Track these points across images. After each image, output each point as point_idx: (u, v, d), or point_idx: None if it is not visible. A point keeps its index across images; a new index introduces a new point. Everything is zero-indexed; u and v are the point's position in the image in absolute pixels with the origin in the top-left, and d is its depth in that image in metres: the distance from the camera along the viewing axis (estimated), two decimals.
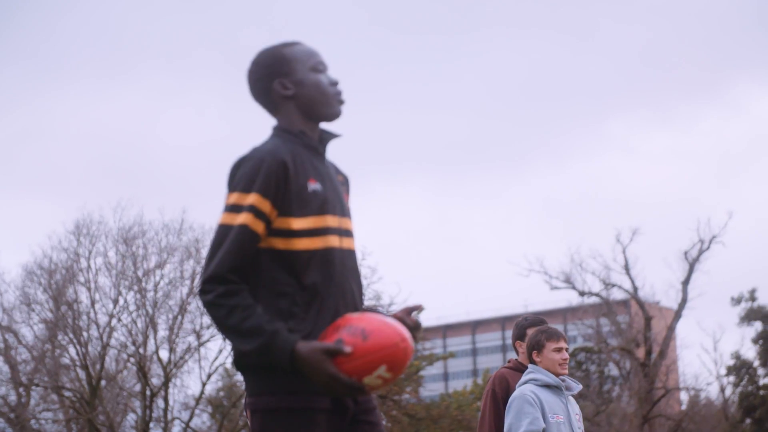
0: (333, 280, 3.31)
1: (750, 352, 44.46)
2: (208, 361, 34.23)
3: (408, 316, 3.40)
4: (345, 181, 3.60)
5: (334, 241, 3.33)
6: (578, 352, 43.95)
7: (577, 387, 6.15)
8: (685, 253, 37.80)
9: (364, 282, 3.54)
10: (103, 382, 33.08)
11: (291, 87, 3.41)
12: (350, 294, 3.37)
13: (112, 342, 33.37)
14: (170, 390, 33.61)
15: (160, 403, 33.64)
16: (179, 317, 33.20)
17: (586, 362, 44.70)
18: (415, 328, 3.37)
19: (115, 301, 33.11)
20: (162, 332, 33.37)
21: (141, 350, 32.95)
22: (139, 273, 33.26)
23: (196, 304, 33.24)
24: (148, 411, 32.99)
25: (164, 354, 33.55)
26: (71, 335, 32.95)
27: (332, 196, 3.38)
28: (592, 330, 41.13)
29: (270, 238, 3.26)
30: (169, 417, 33.75)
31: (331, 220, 3.34)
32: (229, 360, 34.14)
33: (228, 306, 3.16)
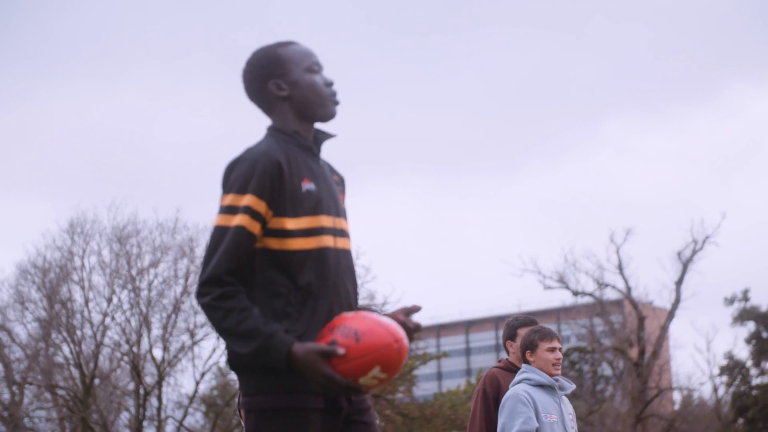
0: (327, 280, 3.32)
1: (743, 353, 44.62)
2: (202, 360, 34.27)
3: (406, 318, 3.40)
4: (340, 181, 3.61)
5: (328, 241, 3.34)
6: (571, 351, 43.97)
7: (571, 387, 6.16)
8: (679, 254, 37.86)
9: (358, 281, 3.53)
10: (96, 381, 33.05)
11: (286, 87, 3.42)
12: (345, 294, 3.37)
13: (106, 340, 33.36)
14: (164, 389, 33.59)
15: (154, 401, 33.63)
16: (173, 316, 33.19)
17: (579, 362, 44.72)
18: (414, 330, 3.38)
19: (109, 300, 33.09)
20: (156, 331, 33.37)
21: (135, 349, 32.93)
22: (133, 272, 33.24)
23: (189, 302, 33.23)
24: (142, 410, 32.97)
25: (158, 353, 33.57)
26: (65, 334, 32.93)
27: (326, 196, 3.39)
28: (586, 330, 41.16)
29: (264, 238, 3.27)
30: (163, 416, 33.71)
31: (325, 220, 3.34)
32: (223, 359, 34.11)
33: (224, 308, 3.17)
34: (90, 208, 49.95)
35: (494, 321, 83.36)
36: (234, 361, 3.26)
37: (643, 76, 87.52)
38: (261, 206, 3.23)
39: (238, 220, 3.22)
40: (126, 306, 33.25)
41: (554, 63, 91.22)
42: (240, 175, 3.25)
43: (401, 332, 3.15)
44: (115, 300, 33.15)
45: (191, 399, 34.54)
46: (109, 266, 33.28)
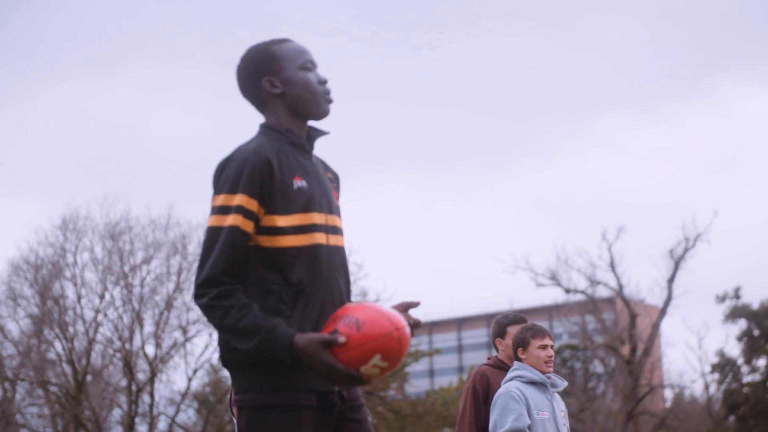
0: (319, 276, 3.32)
1: (734, 350, 44.61)
2: (194, 357, 34.24)
3: (405, 313, 3.42)
4: (335, 179, 3.61)
5: (320, 238, 3.34)
6: (563, 349, 44.01)
7: (563, 384, 6.17)
8: (671, 251, 37.92)
9: (351, 278, 3.54)
10: (88, 377, 33.03)
11: (279, 85, 3.42)
12: (337, 291, 3.38)
13: (98, 337, 33.35)
14: (156, 385, 33.59)
15: (146, 398, 33.62)
16: (165, 313, 33.18)
17: (571, 359, 44.77)
18: (414, 326, 3.39)
19: (102, 297, 33.07)
20: (148, 328, 33.39)
21: (127, 345, 32.92)
22: (126, 268, 33.22)
23: (182, 299, 33.24)
24: (134, 406, 32.95)
25: (150, 349, 33.56)
26: (57, 330, 32.90)
27: (319, 194, 3.39)
28: (578, 327, 41.20)
29: (256, 236, 3.27)
30: (155, 412, 33.71)
31: (317, 218, 3.35)
32: (215, 356, 34.16)
33: (223, 307, 3.18)
34: (83, 204, 50.02)
35: (486, 318, 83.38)
36: (227, 358, 3.27)
37: (635, 74, 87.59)
38: (253, 205, 3.23)
39: (231, 220, 3.22)
40: (118, 303, 33.27)
41: (546, 59, 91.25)
42: (230, 175, 3.25)
43: (402, 321, 3.17)
44: (107, 297, 33.17)
45: (183, 396, 34.52)
46: (102, 263, 33.27)
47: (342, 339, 3.10)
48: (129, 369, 32.74)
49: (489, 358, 6.56)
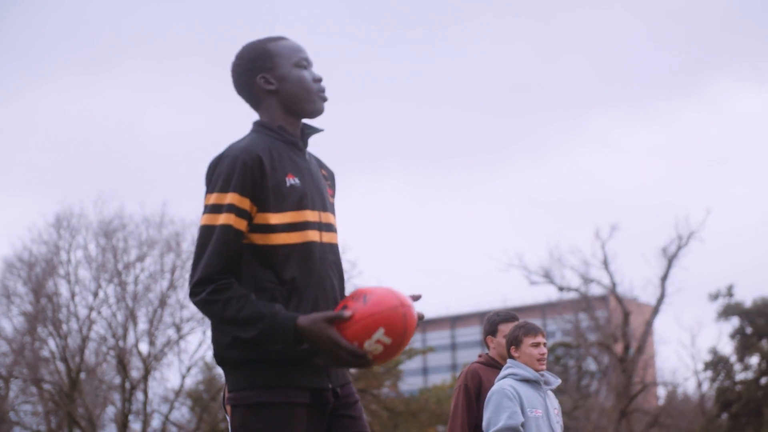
0: (313, 274, 3.32)
1: (727, 348, 44.75)
2: (188, 354, 34.23)
3: None
4: (329, 176, 3.61)
5: (313, 235, 3.34)
6: (557, 347, 44.05)
7: (556, 382, 6.18)
8: (664, 249, 37.93)
9: (344, 276, 3.55)
10: (82, 375, 32.99)
11: (274, 82, 3.43)
12: (331, 288, 3.38)
13: (92, 335, 33.32)
14: (150, 383, 33.56)
15: (140, 396, 33.60)
16: (159, 310, 33.16)
17: (564, 357, 44.83)
18: (418, 318, 3.40)
19: (95, 294, 33.04)
20: (142, 325, 33.36)
21: (121, 343, 32.90)
22: (120, 266, 33.21)
23: (175, 297, 33.24)
24: (128, 404, 32.93)
25: (144, 347, 33.54)
26: (51, 328, 32.86)
27: (312, 191, 3.39)
28: (571, 325, 41.24)
29: (249, 233, 3.27)
30: (149, 410, 33.69)
31: (310, 215, 3.35)
32: (209, 353, 34.13)
33: (222, 300, 3.18)
34: (76, 202, 49.92)
35: (480, 316, 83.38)
36: (220, 355, 3.27)
37: (628, 72, 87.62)
38: (245, 203, 3.23)
39: (224, 218, 3.22)
40: (112, 300, 33.24)
41: (540, 57, 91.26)
42: (222, 174, 3.25)
43: (410, 301, 3.19)
44: (101, 294, 33.15)
45: (177, 393, 34.49)
46: (96, 260, 33.24)
47: (347, 313, 3.12)
48: (123, 366, 32.72)
49: (480, 356, 6.56)
